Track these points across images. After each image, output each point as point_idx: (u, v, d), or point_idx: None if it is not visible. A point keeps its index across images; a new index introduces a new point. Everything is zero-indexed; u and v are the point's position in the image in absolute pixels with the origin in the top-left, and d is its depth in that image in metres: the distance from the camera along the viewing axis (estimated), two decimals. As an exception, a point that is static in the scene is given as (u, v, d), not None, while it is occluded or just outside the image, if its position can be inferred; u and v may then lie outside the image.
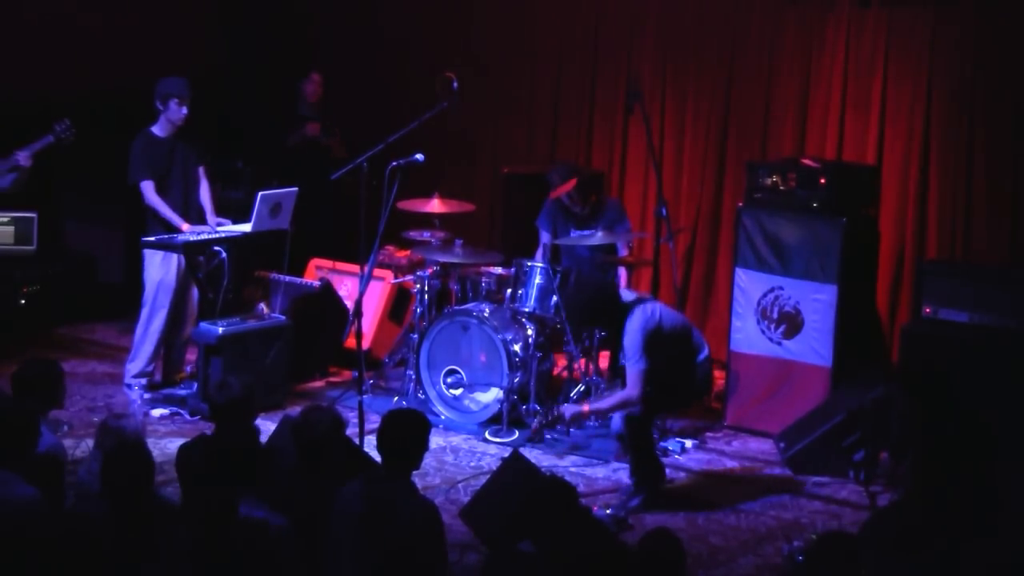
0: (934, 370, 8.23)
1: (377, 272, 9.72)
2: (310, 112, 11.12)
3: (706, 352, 7.78)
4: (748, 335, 8.95)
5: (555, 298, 8.86)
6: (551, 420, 8.00)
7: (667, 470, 8.13)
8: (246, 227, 9.29)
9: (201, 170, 9.40)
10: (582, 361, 8.96)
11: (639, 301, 7.64)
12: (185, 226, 9.15)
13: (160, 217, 9.17)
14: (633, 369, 7.45)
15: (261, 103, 11.83)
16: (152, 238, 9.13)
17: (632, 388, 7.46)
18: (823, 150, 9.97)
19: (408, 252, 10.04)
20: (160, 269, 9.20)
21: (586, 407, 7.77)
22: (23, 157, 9.28)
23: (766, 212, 8.89)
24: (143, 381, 9.32)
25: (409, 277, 9.77)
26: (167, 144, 9.21)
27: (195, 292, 9.34)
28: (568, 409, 7.79)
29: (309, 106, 11.15)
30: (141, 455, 5.56)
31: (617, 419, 7.71)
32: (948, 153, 9.65)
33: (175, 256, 9.16)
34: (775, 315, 8.90)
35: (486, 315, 8.95)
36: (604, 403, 7.80)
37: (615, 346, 7.99)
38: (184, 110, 9.12)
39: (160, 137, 9.21)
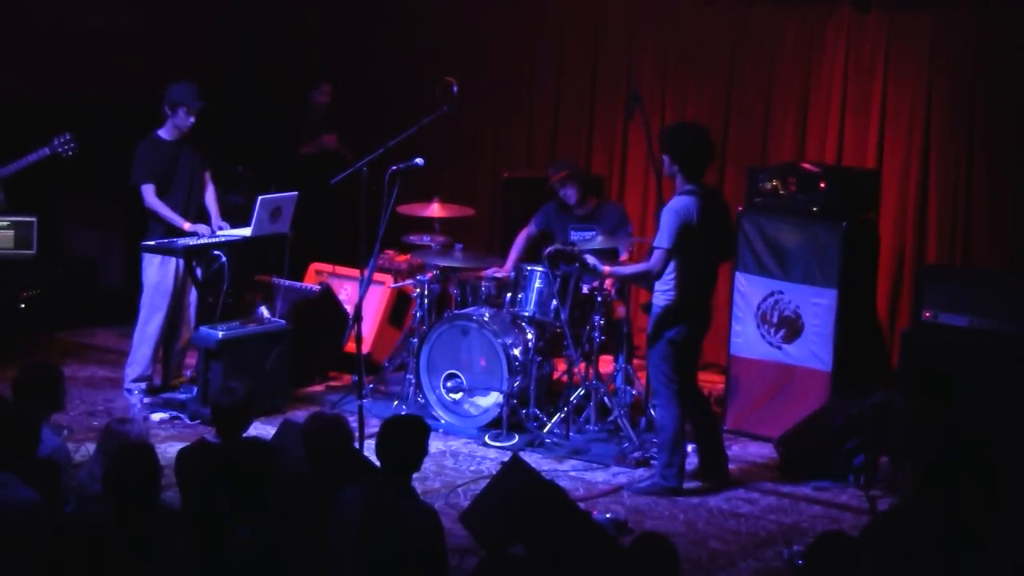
0: (934, 374, 8.23)
1: (377, 276, 9.73)
2: (321, 121, 11.11)
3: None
4: (748, 339, 8.95)
5: (555, 302, 8.86)
6: (567, 250, 8.31)
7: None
8: (246, 231, 9.29)
9: (207, 175, 9.43)
10: (582, 365, 8.95)
11: (685, 193, 7.83)
12: (186, 225, 9.17)
13: (161, 220, 9.18)
14: (660, 248, 7.74)
15: (261, 108, 11.84)
16: (152, 242, 9.14)
17: (654, 263, 7.78)
18: (823, 154, 9.98)
19: (408, 256, 10.04)
20: (158, 272, 9.21)
21: (607, 268, 8.16)
22: None
23: (766, 216, 8.89)
24: (143, 385, 9.32)
25: (409, 281, 9.77)
26: (172, 148, 9.24)
27: (193, 297, 9.34)
28: (592, 259, 8.17)
29: (320, 116, 11.15)
30: (147, 457, 5.56)
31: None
32: (948, 157, 9.65)
33: (173, 260, 9.17)
34: (775, 319, 8.90)
35: (486, 319, 8.95)
36: (625, 269, 8.34)
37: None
38: (191, 120, 9.15)
39: (166, 140, 9.24)
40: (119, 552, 5.31)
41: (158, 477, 5.53)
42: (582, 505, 7.36)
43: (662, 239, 7.73)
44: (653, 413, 8.35)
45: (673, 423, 7.92)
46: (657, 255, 7.76)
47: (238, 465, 5.97)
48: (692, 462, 8.30)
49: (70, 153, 9.41)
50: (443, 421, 9.02)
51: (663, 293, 7.86)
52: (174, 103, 9.15)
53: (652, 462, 8.30)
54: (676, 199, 7.80)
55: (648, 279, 7.90)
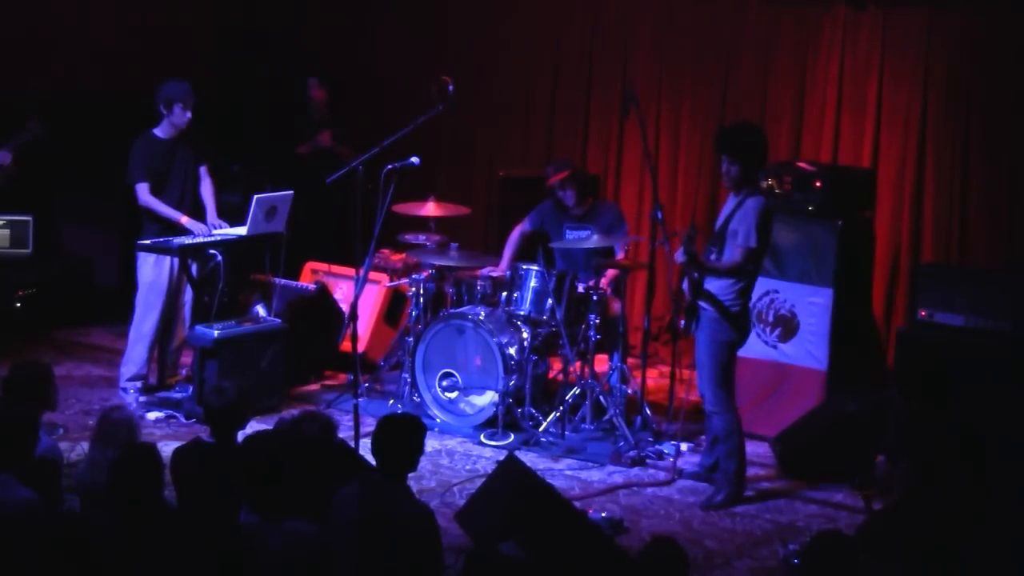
0: (930, 373, 8.24)
1: (372, 275, 9.72)
2: (321, 118, 11.09)
3: None
4: (744, 338, 8.95)
5: (550, 301, 8.86)
6: (691, 234, 7.73)
7: (661, 474, 8.19)
8: (241, 230, 9.29)
9: (203, 169, 9.43)
10: (577, 364, 8.95)
11: (761, 195, 7.79)
12: (184, 219, 9.16)
13: (156, 218, 9.18)
14: (743, 245, 7.60)
15: (258, 107, 11.82)
16: (147, 241, 9.14)
17: (739, 260, 7.60)
18: (819, 153, 9.98)
19: (404, 255, 10.04)
20: (153, 271, 9.21)
21: (711, 265, 7.73)
22: (2, 156, 9.43)
23: (762, 215, 8.88)
24: (138, 384, 9.32)
25: (404, 280, 9.77)
26: (168, 146, 9.24)
27: (188, 295, 9.34)
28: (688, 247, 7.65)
29: (319, 113, 11.12)
30: (152, 456, 5.55)
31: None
32: (944, 155, 9.65)
33: (168, 259, 9.17)
34: (771, 318, 8.90)
35: (481, 318, 8.94)
36: (719, 264, 7.73)
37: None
38: (188, 114, 9.16)
39: (161, 139, 9.24)
40: (120, 552, 5.31)
41: (160, 476, 5.54)
42: (578, 504, 7.36)
43: (750, 238, 7.60)
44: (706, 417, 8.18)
45: (739, 429, 7.88)
46: (742, 253, 7.61)
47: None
48: (695, 461, 8.31)
49: (40, 133, 9.57)
50: (439, 420, 9.02)
51: (728, 297, 7.70)
52: (169, 100, 9.15)
53: (682, 464, 8.25)
54: (760, 200, 7.70)
55: (733, 272, 7.70)
